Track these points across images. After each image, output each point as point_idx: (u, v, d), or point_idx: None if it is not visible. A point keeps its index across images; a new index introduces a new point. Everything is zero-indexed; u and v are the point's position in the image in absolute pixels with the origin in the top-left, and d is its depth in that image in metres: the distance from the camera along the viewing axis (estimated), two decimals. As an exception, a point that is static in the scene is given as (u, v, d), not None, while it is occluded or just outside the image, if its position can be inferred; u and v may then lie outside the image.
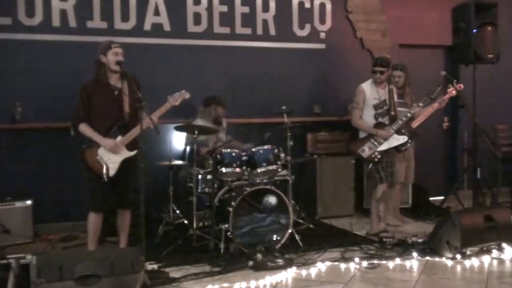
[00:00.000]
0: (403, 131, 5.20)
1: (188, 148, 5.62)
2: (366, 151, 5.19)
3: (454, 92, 5.49)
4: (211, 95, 5.72)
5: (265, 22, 6.44)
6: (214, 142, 5.46)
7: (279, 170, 4.99)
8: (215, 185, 4.93)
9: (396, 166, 5.41)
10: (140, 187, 3.91)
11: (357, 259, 4.36)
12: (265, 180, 4.94)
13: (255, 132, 6.27)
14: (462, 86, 5.55)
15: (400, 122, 5.18)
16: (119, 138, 4.27)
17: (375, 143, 5.18)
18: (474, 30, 5.86)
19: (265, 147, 4.92)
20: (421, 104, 5.16)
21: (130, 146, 4.32)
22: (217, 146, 5.11)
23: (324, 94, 6.72)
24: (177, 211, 5.30)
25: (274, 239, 4.67)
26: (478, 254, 4.42)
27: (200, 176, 4.97)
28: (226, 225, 4.57)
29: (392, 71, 5.58)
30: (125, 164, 4.29)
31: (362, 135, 5.35)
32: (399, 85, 5.68)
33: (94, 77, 4.34)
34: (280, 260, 4.27)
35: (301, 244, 4.78)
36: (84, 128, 4.27)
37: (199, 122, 5.48)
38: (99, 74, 4.30)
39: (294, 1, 6.58)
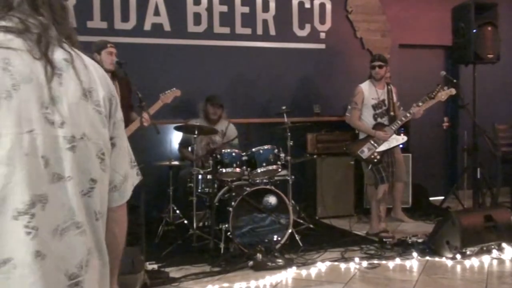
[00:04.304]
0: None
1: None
2: (365, 152, 5.18)
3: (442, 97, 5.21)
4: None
5: (265, 22, 6.43)
6: (207, 143, 5.46)
7: (279, 170, 4.98)
8: (215, 185, 4.93)
9: (396, 165, 5.40)
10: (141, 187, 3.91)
11: (357, 259, 4.36)
12: (265, 180, 4.94)
13: (255, 132, 6.28)
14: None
15: (399, 122, 5.18)
16: None
17: (374, 144, 5.17)
18: (474, 30, 5.85)
19: (265, 147, 4.92)
20: (420, 104, 5.15)
21: None
22: (210, 149, 5.07)
23: (324, 94, 6.71)
24: (177, 211, 5.30)
25: (274, 239, 4.67)
26: (478, 254, 4.42)
27: (200, 176, 4.97)
28: (226, 225, 4.56)
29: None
30: None
31: (362, 135, 5.35)
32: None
33: None
34: (280, 260, 4.26)
35: (301, 244, 4.77)
36: None
37: (197, 121, 5.48)
38: None
39: (294, 1, 6.58)
